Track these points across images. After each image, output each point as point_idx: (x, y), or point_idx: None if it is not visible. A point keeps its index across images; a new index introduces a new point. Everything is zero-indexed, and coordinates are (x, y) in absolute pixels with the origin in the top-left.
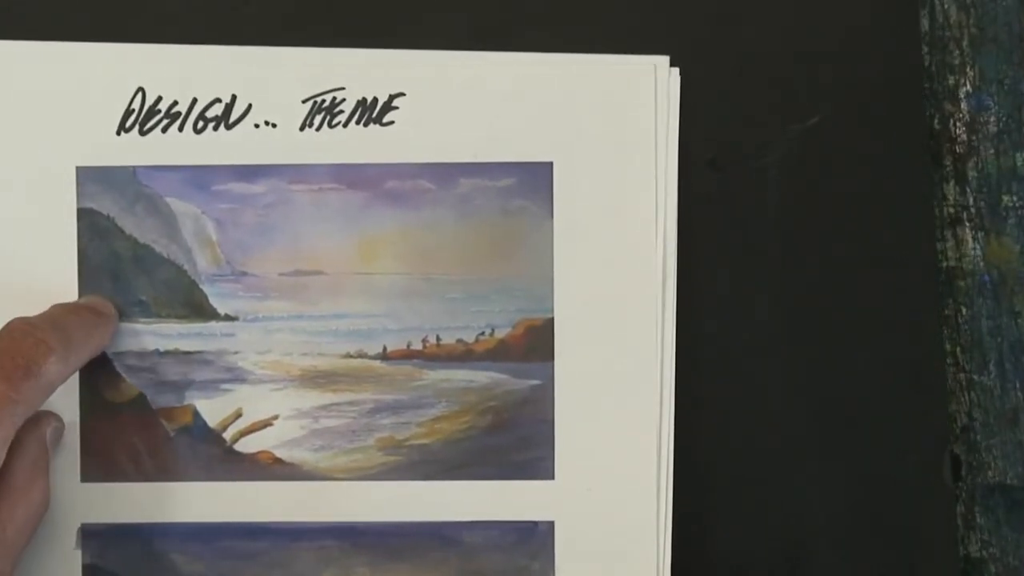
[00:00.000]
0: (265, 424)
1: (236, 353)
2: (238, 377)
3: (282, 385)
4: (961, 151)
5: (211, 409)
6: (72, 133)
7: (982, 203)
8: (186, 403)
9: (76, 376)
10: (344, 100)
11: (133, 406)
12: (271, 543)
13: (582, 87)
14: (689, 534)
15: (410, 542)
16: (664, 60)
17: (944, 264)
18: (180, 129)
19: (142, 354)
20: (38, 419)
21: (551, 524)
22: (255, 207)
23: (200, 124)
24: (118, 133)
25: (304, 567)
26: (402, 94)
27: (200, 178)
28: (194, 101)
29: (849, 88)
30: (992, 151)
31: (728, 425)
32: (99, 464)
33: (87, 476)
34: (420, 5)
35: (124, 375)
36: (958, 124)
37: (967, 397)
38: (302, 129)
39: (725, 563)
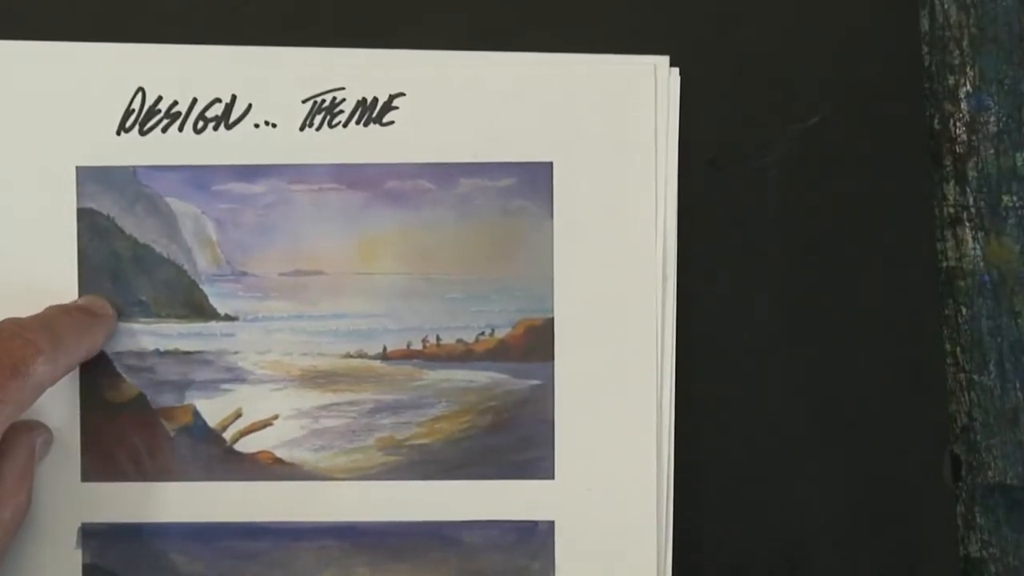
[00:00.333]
0: (265, 424)
1: (236, 353)
2: (238, 377)
3: (282, 385)
4: (961, 151)
5: (211, 409)
6: (72, 133)
7: (982, 203)
8: (186, 403)
9: (76, 376)
10: (344, 100)
11: (133, 406)
12: (271, 543)
13: (582, 87)
14: (689, 534)
15: (410, 542)
16: (664, 60)
17: (944, 264)
18: (180, 129)
19: (142, 354)
20: (30, 427)
21: (551, 524)
22: (255, 207)
23: (200, 124)
24: (118, 133)
25: (304, 567)
26: (402, 94)
27: (200, 178)
28: (194, 101)
29: (849, 88)
30: (992, 151)
31: (728, 425)
32: (99, 464)
33: (87, 476)
34: (420, 5)
35: (124, 375)
36: (958, 124)
37: (967, 397)
38: (302, 129)
39: (725, 563)
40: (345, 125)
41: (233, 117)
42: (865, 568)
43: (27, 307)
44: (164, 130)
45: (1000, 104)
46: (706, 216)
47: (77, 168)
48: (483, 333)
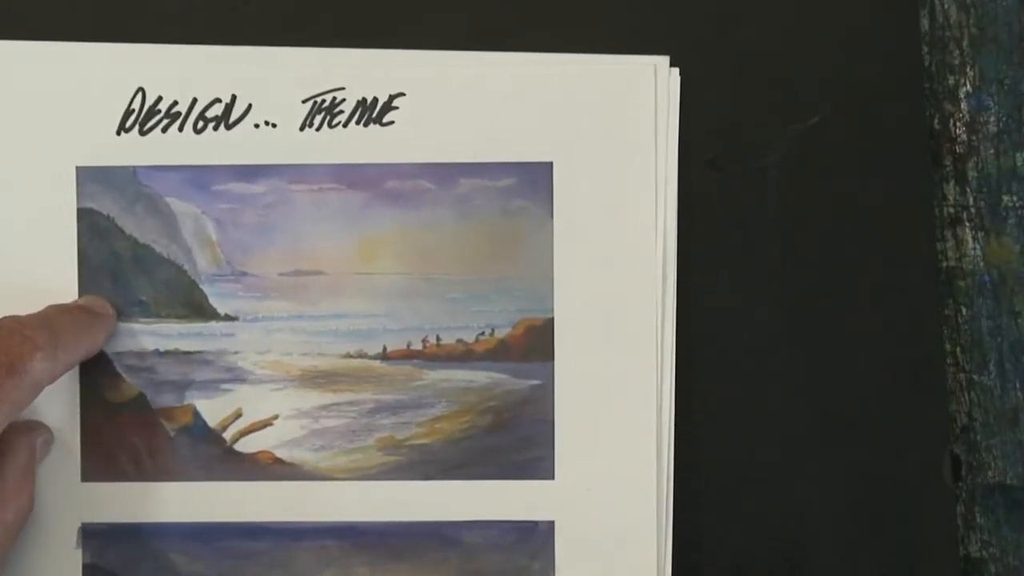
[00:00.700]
0: (265, 424)
1: (236, 353)
2: (238, 377)
3: (282, 385)
4: (961, 151)
5: (211, 409)
6: (72, 133)
7: (982, 203)
8: (186, 403)
9: (76, 376)
10: (344, 100)
11: (133, 406)
12: (271, 543)
13: (582, 87)
14: (689, 534)
15: (410, 542)
16: (664, 60)
17: (944, 264)
18: (180, 129)
19: (142, 354)
20: (30, 427)
21: (551, 524)
22: (255, 207)
23: (200, 124)
24: (118, 133)
25: (304, 567)
26: (402, 94)
27: (200, 178)
28: (194, 101)
29: (849, 88)
30: (992, 151)
31: (728, 425)
32: (99, 464)
33: (87, 476)
34: (420, 5)
35: (124, 375)
36: (958, 124)
37: (967, 397)
38: (302, 129)
39: (725, 563)
40: (345, 125)
41: (233, 117)
42: (865, 568)
43: (27, 307)
44: (164, 130)
45: (1000, 104)
46: (706, 216)
47: (77, 168)
48: (483, 333)
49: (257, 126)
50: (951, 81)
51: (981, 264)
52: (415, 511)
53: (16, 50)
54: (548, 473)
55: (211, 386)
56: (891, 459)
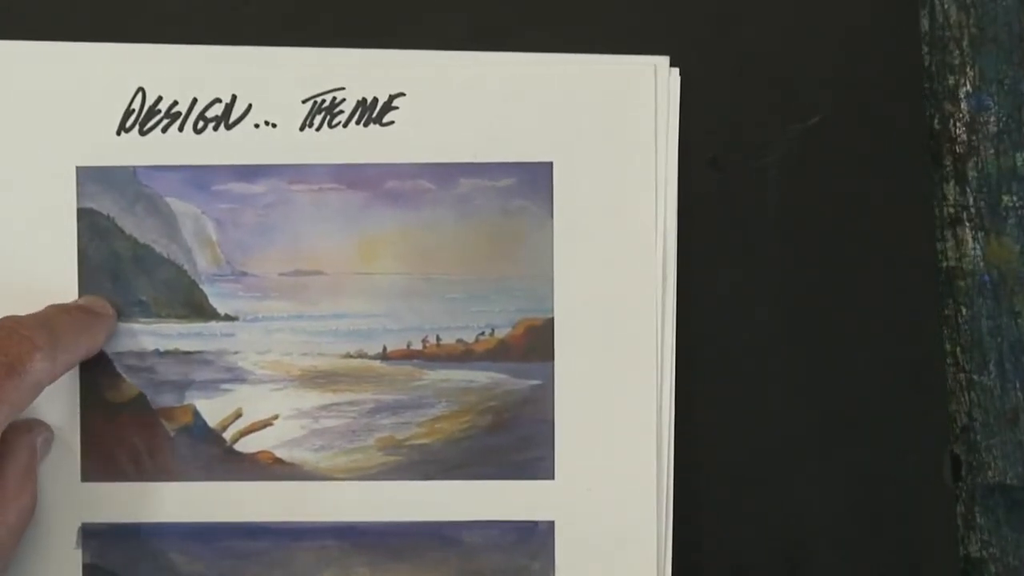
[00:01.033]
0: (265, 424)
1: (236, 353)
2: (238, 377)
3: (282, 385)
4: (961, 151)
5: (211, 409)
6: (72, 133)
7: (982, 203)
8: (186, 403)
9: (76, 376)
10: (344, 100)
11: (133, 406)
12: (271, 543)
13: (582, 87)
14: (689, 534)
15: (410, 542)
16: (664, 60)
17: (944, 264)
18: (180, 129)
19: (142, 354)
20: (30, 426)
21: (551, 524)
22: (255, 207)
23: (200, 124)
24: (118, 133)
25: (304, 567)
26: (402, 94)
27: (200, 178)
28: (194, 101)
29: (849, 88)
30: (992, 151)
31: (728, 425)
32: (99, 464)
33: (87, 476)
34: (420, 5)
35: (124, 375)
36: (958, 124)
37: (967, 397)
38: (302, 129)
39: (725, 563)
40: (345, 125)
41: (233, 117)
42: (865, 568)
43: (27, 307)
44: (164, 130)
45: (1000, 104)
46: (706, 216)
47: (77, 168)
48: (483, 333)
49: (257, 126)
50: (951, 81)
51: (981, 264)
52: (415, 511)
53: (16, 50)
54: (548, 473)
55: (211, 386)
56: (891, 459)
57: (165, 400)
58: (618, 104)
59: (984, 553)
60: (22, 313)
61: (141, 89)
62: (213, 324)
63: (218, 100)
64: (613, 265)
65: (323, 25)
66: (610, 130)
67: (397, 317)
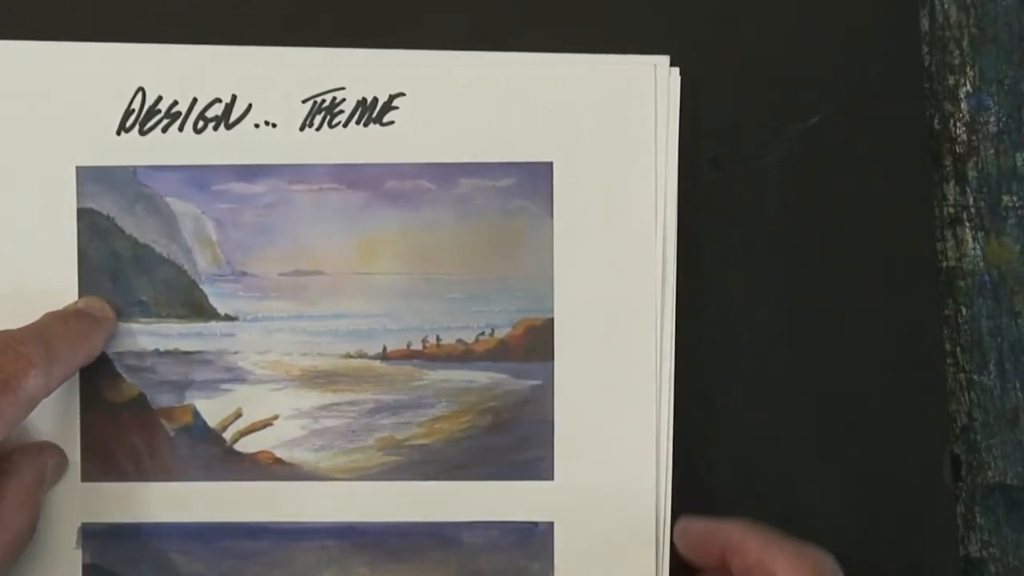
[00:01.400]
0: (265, 424)
1: (236, 353)
2: (238, 377)
3: (282, 385)
4: (961, 151)
5: (211, 409)
6: (72, 133)
7: (982, 203)
8: (186, 403)
9: (76, 376)
10: (344, 100)
11: (133, 406)
12: (271, 543)
13: (582, 87)
14: None
15: (410, 542)
16: (664, 60)
17: (944, 264)
18: (180, 129)
19: (142, 354)
20: (40, 448)
21: (550, 524)
22: (255, 207)
23: (200, 124)
24: (118, 133)
25: (304, 567)
26: (402, 94)
27: (200, 178)
28: (194, 101)
29: (849, 88)
30: (992, 151)
31: (728, 426)
32: (99, 464)
33: (87, 476)
34: (420, 5)
35: (124, 375)
36: (958, 124)
37: (967, 397)
38: (302, 129)
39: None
40: (345, 125)
41: (233, 117)
42: (865, 568)
43: (27, 307)
44: (164, 130)
45: (1000, 104)
46: (706, 216)
47: (77, 168)
48: (483, 333)
49: (257, 126)
50: (951, 81)
51: (981, 264)
52: (415, 511)
53: (16, 50)
54: (548, 474)
55: (211, 386)
56: (891, 459)
57: (165, 400)
58: (618, 104)
59: (984, 553)
60: (21, 313)
61: (141, 89)
62: (213, 324)
63: (218, 100)
64: (613, 265)
65: (323, 25)
66: (610, 130)
67: (397, 317)
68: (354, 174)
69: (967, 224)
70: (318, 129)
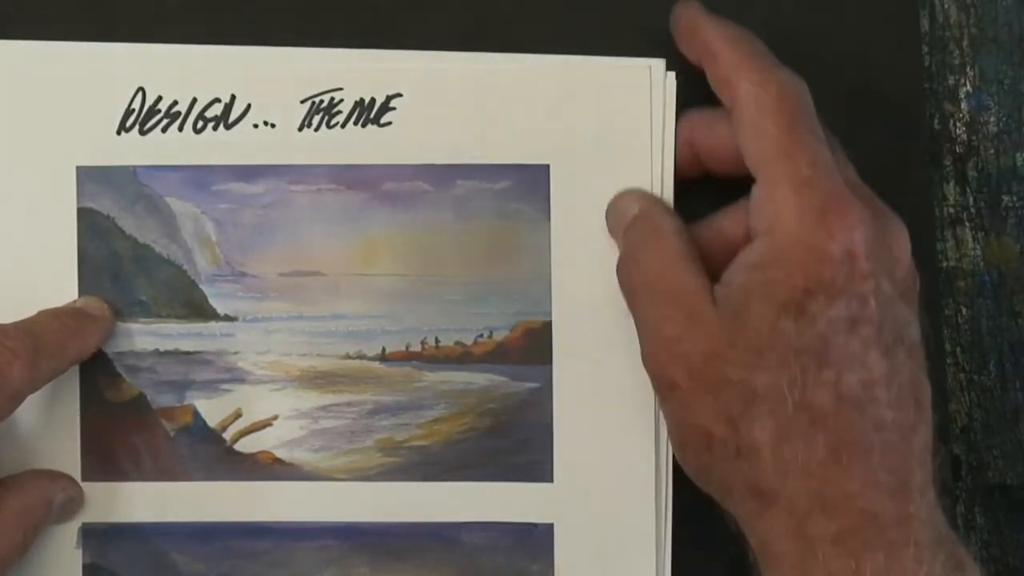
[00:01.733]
0: (265, 424)
1: (236, 353)
2: (238, 377)
3: (281, 385)
4: (961, 151)
5: (211, 409)
6: (72, 133)
7: (982, 203)
8: (186, 403)
9: (76, 376)
10: (342, 101)
11: (133, 406)
12: (272, 543)
13: (578, 89)
14: (688, 538)
15: (410, 543)
16: (660, 62)
17: (944, 264)
18: (180, 129)
19: (142, 354)
20: (53, 476)
21: (550, 527)
22: (254, 207)
23: (200, 124)
24: (118, 133)
25: (305, 567)
26: (399, 95)
27: (200, 178)
28: (194, 101)
29: (849, 88)
30: (992, 151)
31: None
32: (99, 464)
33: (87, 476)
34: (419, 5)
35: (124, 375)
36: (958, 124)
37: (967, 397)
38: (300, 129)
39: (725, 567)
40: (343, 126)
41: (232, 117)
42: None
43: (27, 307)
44: (164, 130)
45: (1000, 104)
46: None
47: (77, 168)
48: (481, 335)
49: (256, 126)
50: (951, 81)
51: (981, 264)
52: (415, 512)
53: (16, 50)
54: (547, 476)
55: (211, 386)
56: None
57: (165, 400)
58: (614, 106)
59: (984, 553)
60: (21, 313)
61: (141, 89)
62: (213, 324)
63: (217, 100)
64: (610, 268)
65: (323, 25)
66: (606, 132)
67: (396, 318)
68: (353, 175)
69: (967, 224)
70: (316, 130)
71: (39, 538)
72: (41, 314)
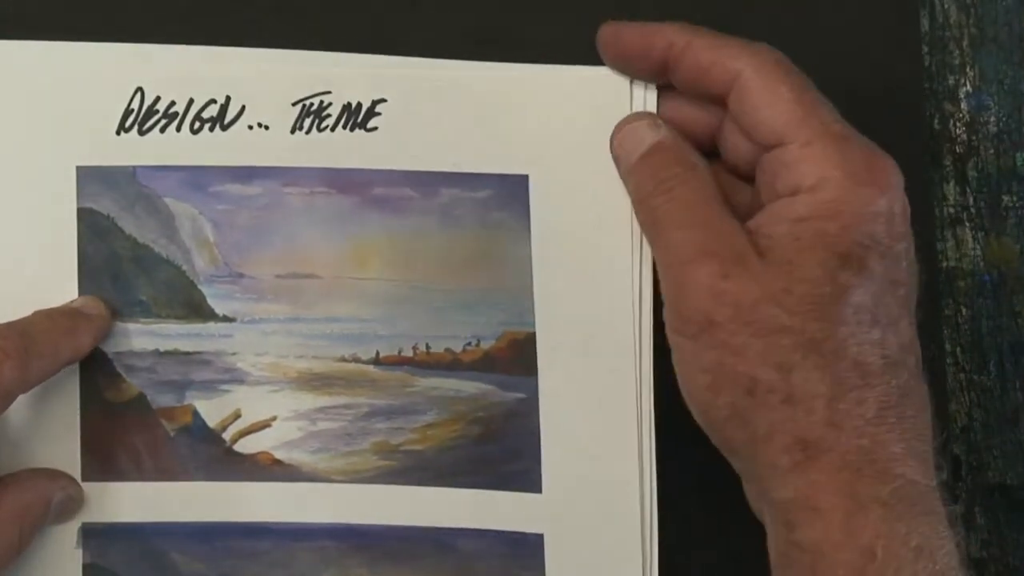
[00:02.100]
0: (264, 425)
1: (234, 354)
2: (236, 378)
3: (279, 387)
4: (961, 151)
5: (210, 409)
6: (72, 133)
7: (982, 203)
8: (186, 403)
9: (76, 376)
10: (331, 104)
11: (133, 406)
12: (272, 543)
13: (557, 97)
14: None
15: (408, 546)
16: None
17: (944, 264)
18: (178, 129)
19: (142, 354)
20: (52, 476)
21: (540, 536)
22: (250, 208)
23: (196, 125)
24: (118, 133)
25: (304, 567)
26: (383, 100)
27: (197, 179)
28: (190, 102)
29: (849, 88)
30: (992, 151)
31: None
32: (99, 464)
33: (87, 476)
34: (415, 11)
35: (124, 375)
36: (958, 124)
37: (967, 397)
38: (293, 132)
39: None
40: (333, 129)
41: (228, 118)
42: None
43: (27, 307)
44: (162, 130)
45: (1000, 104)
46: None
47: (77, 168)
48: (469, 343)
49: (251, 127)
50: (951, 81)
51: (981, 264)
52: (411, 516)
53: (16, 50)
54: (535, 487)
55: (210, 387)
56: None
57: (165, 400)
58: (594, 115)
59: (984, 553)
60: (22, 313)
61: (140, 89)
62: (212, 325)
63: (213, 101)
64: (591, 280)
65: (322, 27)
66: (585, 142)
67: (388, 323)
68: (344, 179)
69: (967, 224)
70: (308, 132)
71: (39, 538)
72: (35, 314)
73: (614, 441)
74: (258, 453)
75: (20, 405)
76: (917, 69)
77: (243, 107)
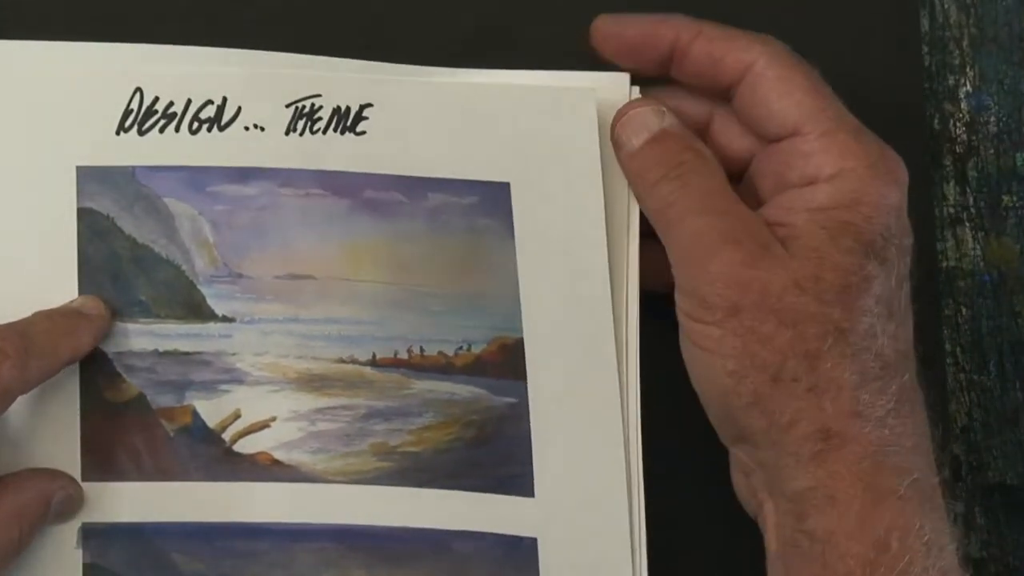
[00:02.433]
0: (263, 425)
1: (234, 354)
2: (236, 378)
3: (279, 387)
4: (961, 151)
5: (210, 409)
6: (72, 133)
7: (982, 203)
8: (185, 403)
9: (76, 376)
10: (322, 107)
11: (133, 406)
12: (271, 544)
13: (538, 104)
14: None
15: (405, 547)
16: (624, 77)
17: (944, 264)
18: (176, 130)
19: (142, 354)
20: (53, 475)
21: (534, 540)
22: (248, 209)
23: (195, 125)
24: (117, 133)
25: (304, 568)
26: (370, 104)
27: (196, 179)
28: (188, 102)
29: (849, 88)
30: (992, 151)
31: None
32: (99, 464)
33: (87, 476)
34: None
35: (124, 375)
36: (958, 124)
37: (967, 397)
38: (287, 134)
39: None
40: (324, 132)
41: (225, 119)
42: None
43: (27, 307)
44: (162, 130)
45: (1000, 104)
46: None
47: (77, 168)
48: (461, 348)
49: (247, 128)
50: (951, 81)
51: (981, 264)
52: (409, 517)
53: (16, 50)
54: (528, 491)
55: (210, 387)
56: None
57: (165, 400)
58: (573, 122)
59: (984, 553)
60: (21, 314)
61: (139, 89)
62: (211, 325)
63: (210, 102)
64: (576, 286)
65: (321, 29)
66: (565, 149)
67: (383, 325)
68: (337, 181)
69: (967, 224)
70: (301, 134)
71: (39, 538)
72: (35, 315)
73: (602, 446)
74: (257, 453)
75: (20, 405)
76: (917, 69)
77: (239, 108)
